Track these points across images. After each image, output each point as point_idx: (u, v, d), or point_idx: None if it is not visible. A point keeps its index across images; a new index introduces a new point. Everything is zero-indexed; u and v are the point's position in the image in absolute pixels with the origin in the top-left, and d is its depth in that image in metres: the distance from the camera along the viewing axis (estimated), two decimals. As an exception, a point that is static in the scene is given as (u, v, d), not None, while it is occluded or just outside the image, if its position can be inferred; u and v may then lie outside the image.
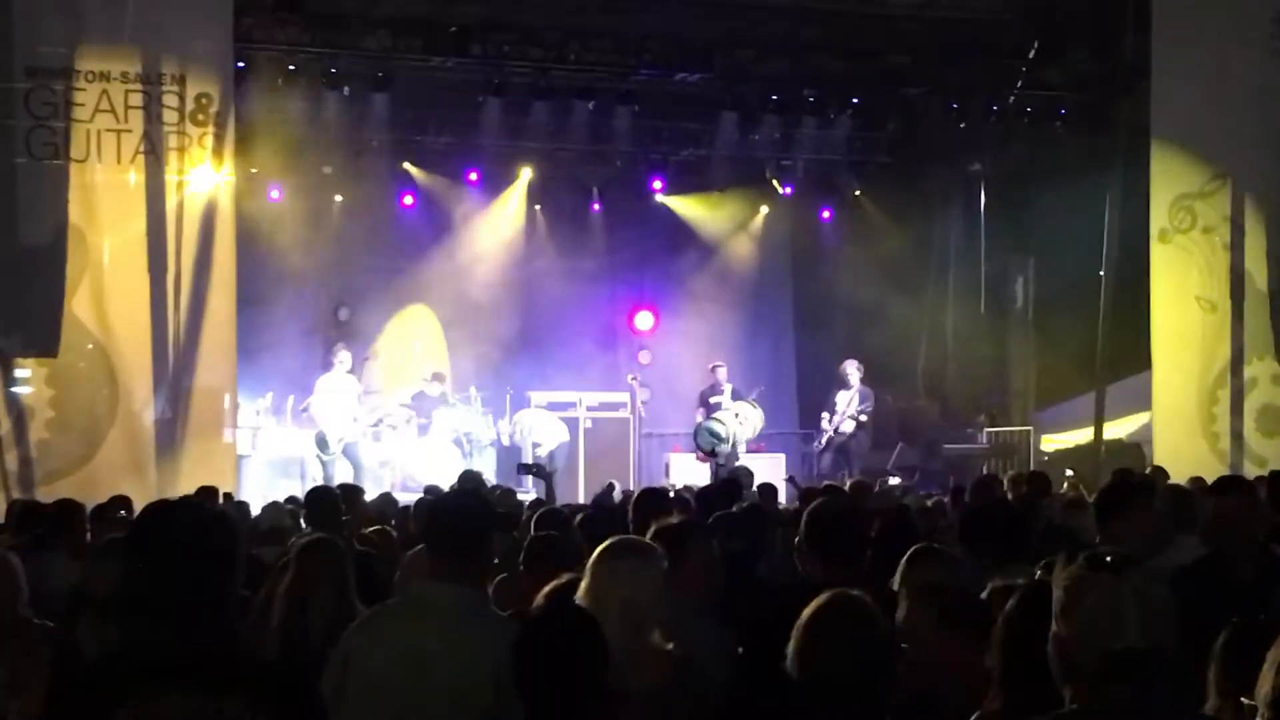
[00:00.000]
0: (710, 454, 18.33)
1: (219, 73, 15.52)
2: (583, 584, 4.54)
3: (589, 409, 19.68)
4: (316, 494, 8.93)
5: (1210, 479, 7.30)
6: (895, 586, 4.73)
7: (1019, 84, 19.47)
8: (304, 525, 8.95)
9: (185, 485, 13.17)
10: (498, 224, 21.41)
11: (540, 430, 19.01)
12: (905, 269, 21.11)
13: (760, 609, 5.15)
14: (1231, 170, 16.23)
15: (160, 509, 4.03)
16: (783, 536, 7.34)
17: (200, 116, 15.34)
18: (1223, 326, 16.15)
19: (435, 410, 18.99)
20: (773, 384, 20.67)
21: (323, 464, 17.78)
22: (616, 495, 12.63)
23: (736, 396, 19.09)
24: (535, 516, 7.58)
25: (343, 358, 18.27)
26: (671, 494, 9.55)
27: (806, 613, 3.98)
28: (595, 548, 4.69)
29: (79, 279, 14.98)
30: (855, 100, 20.26)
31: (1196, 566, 5.69)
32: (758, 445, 19.22)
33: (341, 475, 17.01)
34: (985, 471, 17.21)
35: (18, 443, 14.82)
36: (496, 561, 5.61)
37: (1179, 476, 11.32)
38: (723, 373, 19.51)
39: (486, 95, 19.16)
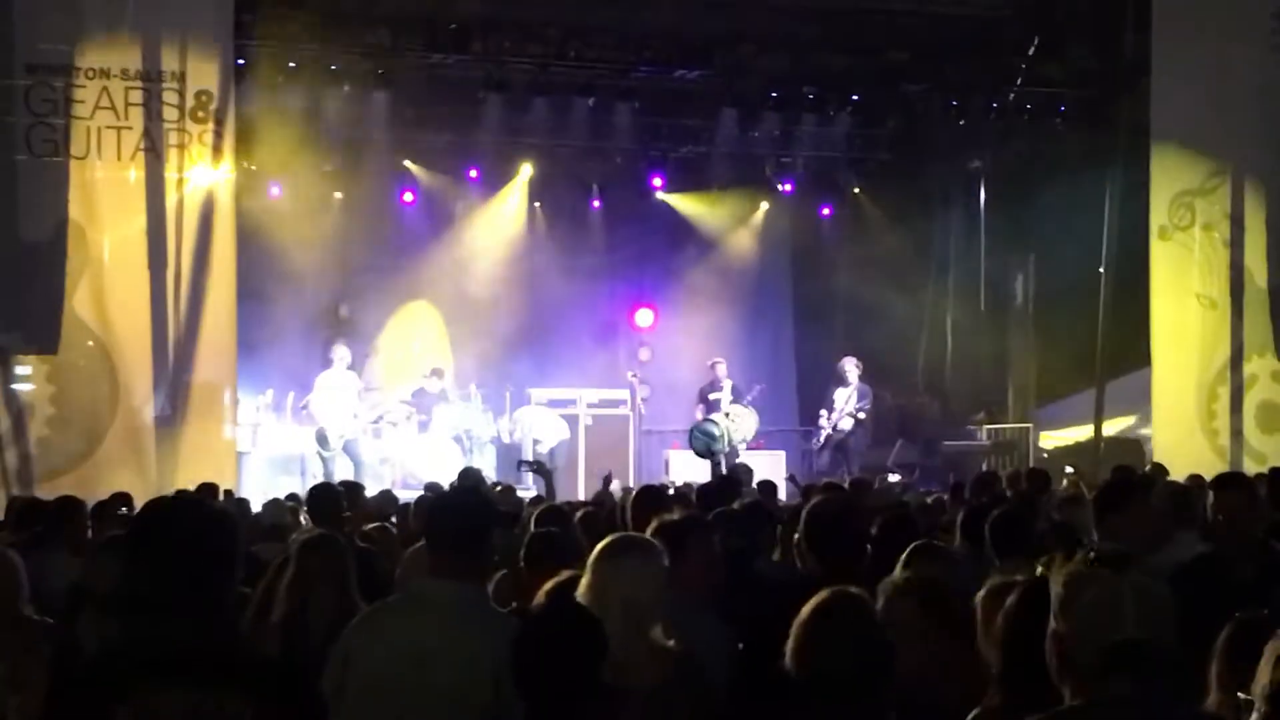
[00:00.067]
0: (704, 455, 18.34)
1: (219, 70, 15.46)
2: (584, 581, 4.53)
3: (589, 406, 19.69)
4: (320, 491, 8.91)
5: (1210, 476, 7.28)
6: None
7: (1019, 81, 19.43)
8: (306, 522, 8.96)
9: (185, 482, 13.15)
10: (498, 221, 21.40)
11: (540, 427, 19.02)
12: (905, 266, 21.10)
13: (760, 606, 5.14)
14: (1231, 167, 16.21)
15: (161, 506, 4.04)
16: (782, 533, 7.34)
17: (200, 113, 15.32)
18: (1222, 323, 16.13)
19: (435, 407, 18.99)
20: (772, 381, 20.66)
21: (323, 461, 17.77)
22: (614, 489, 12.62)
23: (736, 392, 19.08)
24: (536, 513, 7.58)
25: (341, 354, 18.29)
26: (671, 491, 9.55)
27: (805, 610, 3.98)
28: (595, 545, 4.69)
29: (79, 276, 14.96)
30: (855, 97, 20.23)
31: (1196, 563, 5.68)
32: (757, 443, 19.23)
33: (342, 472, 17.01)
34: (985, 468, 17.17)
35: (18, 439, 14.80)
36: (497, 559, 5.60)
37: (1178, 473, 11.29)
38: (722, 369, 19.49)
39: (487, 92, 19.12)
